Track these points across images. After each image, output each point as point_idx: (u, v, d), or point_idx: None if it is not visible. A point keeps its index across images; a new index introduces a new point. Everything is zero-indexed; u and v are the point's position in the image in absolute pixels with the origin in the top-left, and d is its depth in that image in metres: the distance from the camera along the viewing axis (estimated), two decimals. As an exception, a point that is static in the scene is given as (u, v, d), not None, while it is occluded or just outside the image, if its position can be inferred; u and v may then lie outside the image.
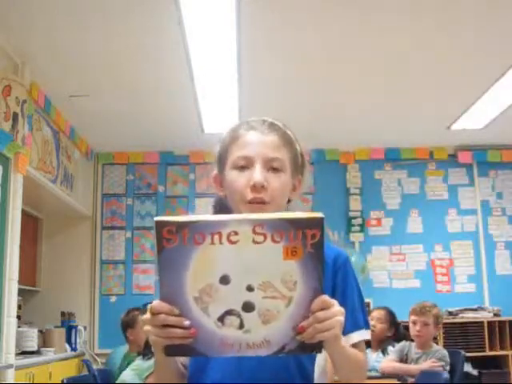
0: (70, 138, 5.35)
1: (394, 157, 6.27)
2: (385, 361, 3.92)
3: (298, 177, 1.35)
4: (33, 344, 4.60)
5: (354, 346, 1.24)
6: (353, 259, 5.48)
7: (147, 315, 1.04)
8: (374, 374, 3.79)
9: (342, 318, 1.03)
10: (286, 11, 3.58)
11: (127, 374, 3.38)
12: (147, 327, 1.04)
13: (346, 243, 6.00)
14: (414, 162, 6.28)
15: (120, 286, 6.05)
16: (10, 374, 3.71)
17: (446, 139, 6.01)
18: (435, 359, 3.69)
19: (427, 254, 6.15)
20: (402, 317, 4.29)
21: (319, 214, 0.98)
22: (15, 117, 3.87)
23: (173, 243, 0.98)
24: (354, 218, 6.17)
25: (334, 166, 6.21)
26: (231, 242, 0.97)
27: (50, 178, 4.81)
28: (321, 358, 1.27)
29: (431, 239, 6.16)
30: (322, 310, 1.01)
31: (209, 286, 1.00)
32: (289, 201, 1.34)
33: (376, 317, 4.27)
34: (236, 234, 0.97)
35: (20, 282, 4.03)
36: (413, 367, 3.71)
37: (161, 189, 6.24)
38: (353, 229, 6.16)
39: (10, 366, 3.70)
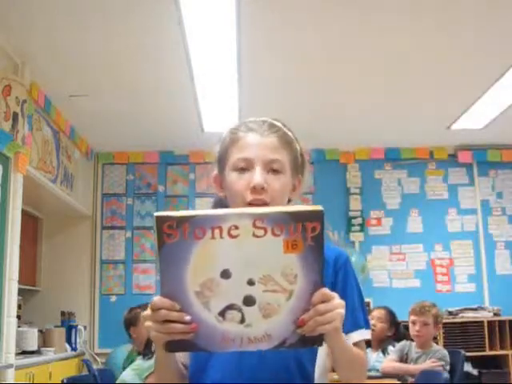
0: (70, 138, 5.35)
1: (393, 157, 6.27)
2: (385, 361, 3.92)
3: (298, 176, 1.35)
4: (33, 344, 4.59)
5: (355, 345, 1.24)
6: (353, 259, 5.47)
7: (148, 311, 1.04)
8: (374, 373, 3.79)
9: (342, 311, 1.03)
10: (286, 11, 3.58)
11: (127, 374, 3.38)
12: (148, 323, 1.04)
13: (346, 243, 6.00)
14: (413, 161, 6.29)
15: (120, 285, 6.05)
16: (10, 374, 3.71)
17: (445, 139, 6.01)
18: (435, 359, 3.69)
19: (427, 254, 6.15)
20: (402, 316, 4.30)
21: (319, 207, 0.98)
22: (15, 117, 3.87)
23: (173, 238, 0.98)
24: (354, 217, 6.18)
25: (334, 166, 6.21)
26: (232, 236, 0.97)
27: (50, 178, 4.81)
28: (321, 359, 1.27)
29: (431, 239, 6.17)
30: (323, 302, 1.01)
31: (210, 280, 1.00)
32: (289, 201, 1.34)
33: (376, 316, 4.28)
34: (236, 228, 0.97)
35: (20, 281, 4.03)
36: (413, 367, 3.71)
37: (161, 188, 6.24)
38: (353, 228, 6.16)
39: (10, 366, 3.70)
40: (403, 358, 3.83)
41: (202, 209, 1.13)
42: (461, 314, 5.69)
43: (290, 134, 1.34)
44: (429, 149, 6.25)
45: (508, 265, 6.15)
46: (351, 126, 5.59)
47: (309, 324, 1.00)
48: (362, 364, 1.25)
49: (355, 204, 6.20)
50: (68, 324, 5.51)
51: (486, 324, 5.58)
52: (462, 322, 5.61)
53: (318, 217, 0.98)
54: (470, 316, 5.67)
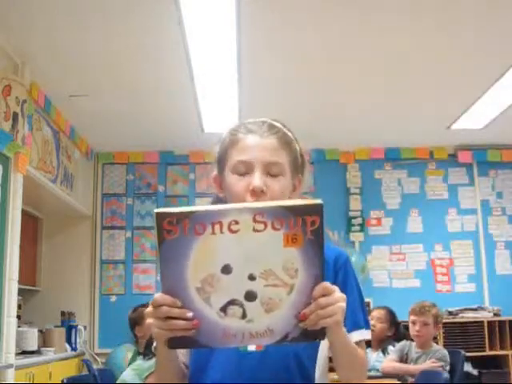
0: (70, 138, 5.35)
1: (393, 157, 6.27)
2: (385, 361, 3.92)
3: (298, 176, 1.35)
4: (33, 344, 4.59)
5: (355, 345, 1.24)
6: (353, 259, 5.47)
7: (149, 308, 1.04)
8: (374, 373, 3.79)
9: (343, 304, 1.03)
10: (286, 11, 3.58)
11: (127, 374, 3.38)
12: (150, 320, 1.04)
13: (346, 243, 6.00)
14: (413, 161, 6.28)
15: (120, 285, 6.05)
16: (10, 374, 3.71)
17: (445, 139, 6.01)
18: (435, 359, 3.69)
19: (427, 254, 6.15)
20: (402, 316, 4.30)
21: (318, 201, 0.98)
22: (15, 117, 3.87)
23: (173, 234, 0.98)
24: (354, 217, 6.18)
25: (334, 166, 6.21)
26: (232, 231, 0.97)
27: (50, 178, 4.81)
28: (322, 360, 1.27)
29: (431, 239, 6.16)
30: (324, 296, 1.01)
31: (210, 276, 0.99)
32: (289, 201, 1.34)
33: (376, 316, 4.28)
34: (236, 223, 0.97)
35: (20, 281, 4.02)
36: (413, 367, 3.71)
37: (161, 188, 6.24)
38: (353, 228, 6.16)
39: (10, 366, 3.70)
40: (403, 358, 3.83)
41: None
42: (461, 314, 5.69)
43: (289, 134, 1.33)
44: (429, 149, 6.25)
45: (508, 265, 6.15)
46: (351, 126, 5.59)
47: (310, 318, 1.01)
48: (362, 364, 1.24)
49: (355, 204, 6.20)
50: (68, 324, 5.50)
51: (486, 324, 5.57)
52: (461, 322, 5.60)
53: (317, 210, 0.97)
54: (469, 316, 5.67)
